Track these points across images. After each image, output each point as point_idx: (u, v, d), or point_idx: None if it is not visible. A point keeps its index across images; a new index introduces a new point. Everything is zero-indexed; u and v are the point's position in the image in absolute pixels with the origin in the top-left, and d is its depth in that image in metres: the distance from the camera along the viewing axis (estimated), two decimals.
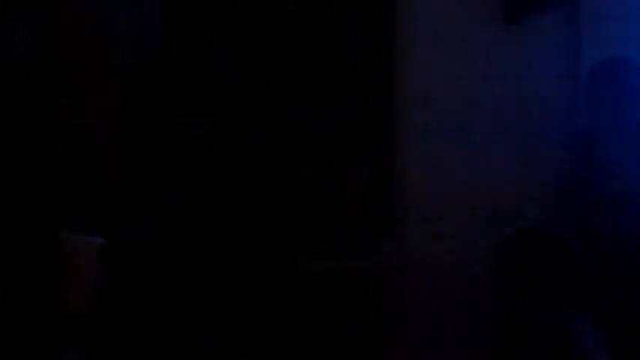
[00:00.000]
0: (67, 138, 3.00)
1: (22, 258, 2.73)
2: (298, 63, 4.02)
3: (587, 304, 3.42)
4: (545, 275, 3.42)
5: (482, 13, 4.08)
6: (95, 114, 3.11)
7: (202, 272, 3.23)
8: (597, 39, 4.05)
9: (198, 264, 3.27)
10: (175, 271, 3.09)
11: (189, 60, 3.46)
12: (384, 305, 4.00)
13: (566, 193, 3.85)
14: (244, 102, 3.80)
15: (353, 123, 4.10)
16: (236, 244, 3.63)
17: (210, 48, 3.59)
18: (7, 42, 3.01)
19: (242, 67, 3.83)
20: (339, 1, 4.10)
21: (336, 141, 4.08)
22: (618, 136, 3.76)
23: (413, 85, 4.06)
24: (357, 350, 3.92)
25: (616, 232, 3.70)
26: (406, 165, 4.04)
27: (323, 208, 4.02)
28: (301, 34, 4.02)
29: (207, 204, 3.50)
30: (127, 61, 3.20)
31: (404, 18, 4.09)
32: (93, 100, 3.14)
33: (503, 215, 4.00)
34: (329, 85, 4.08)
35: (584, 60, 4.05)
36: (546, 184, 4.00)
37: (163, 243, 3.09)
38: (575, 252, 3.57)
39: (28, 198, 2.76)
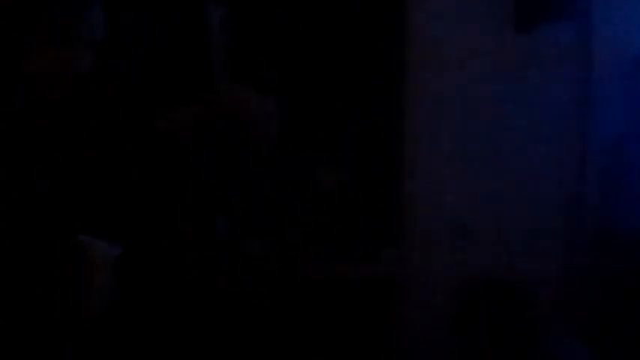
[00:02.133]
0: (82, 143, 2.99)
1: (34, 263, 2.71)
2: (307, 74, 4.03)
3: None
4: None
5: (493, 24, 4.06)
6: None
7: (210, 281, 3.22)
8: (609, 49, 4.01)
9: (205, 272, 3.25)
10: (183, 278, 3.06)
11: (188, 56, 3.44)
12: (385, 313, 3.98)
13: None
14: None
15: (359, 132, 4.09)
16: (239, 250, 3.62)
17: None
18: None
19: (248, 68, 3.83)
20: (346, 18, 4.09)
21: (342, 150, 4.07)
22: None
23: (421, 96, 4.05)
24: (359, 358, 3.91)
25: None
26: (411, 173, 4.02)
27: (326, 216, 4.02)
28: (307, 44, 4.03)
29: (212, 209, 3.49)
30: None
31: (414, 29, 4.07)
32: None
33: (507, 225, 3.98)
34: (337, 95, 4.08)
35: (595, 70, 4.02)
36: (551, 193, 4.00)
37: (175, 251, 3.06)
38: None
39: (42, 203, 2.73)
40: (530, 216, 4.00)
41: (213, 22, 3.50)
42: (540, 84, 4.05)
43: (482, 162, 4.05)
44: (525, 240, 3.97)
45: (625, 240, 3.71)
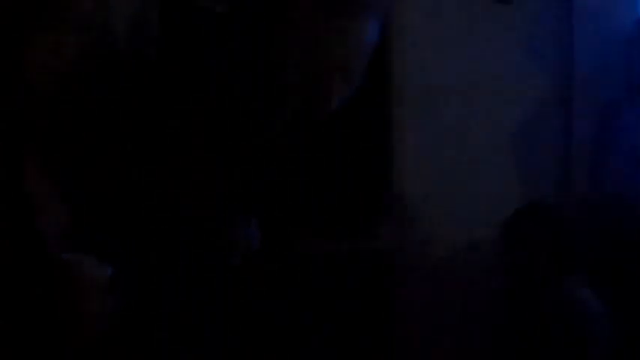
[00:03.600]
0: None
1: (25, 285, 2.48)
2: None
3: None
4: (544, 249, 3.56)
5: None
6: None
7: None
8: (590, 17, 4.08)
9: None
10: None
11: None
12: (384, 288, 4.04)
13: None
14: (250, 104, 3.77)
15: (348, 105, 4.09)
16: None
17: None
18: None
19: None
20: None
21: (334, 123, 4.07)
22: None
23: (406, 63, 4.06)
24: (359, 332, 3.94)
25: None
26: (404, 145, 4.07)
27: (322, 191, 4.02)
28: None
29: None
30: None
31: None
32: None
33: (503, 195, 4.03)
34: None
35: (577, 39, 4.09)
36: (541, 160, 4.12)
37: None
38: (576, 226, 3.70)
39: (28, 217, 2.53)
40: (523, 183, 4.11)
41: None
42: (520, 52, 4.13)
43: (471, 126, 4.12)
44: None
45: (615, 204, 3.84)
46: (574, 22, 4.09)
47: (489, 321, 3.91)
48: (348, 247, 4.00)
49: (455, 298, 4.04)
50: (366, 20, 2.38)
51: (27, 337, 2.42)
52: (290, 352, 3.40)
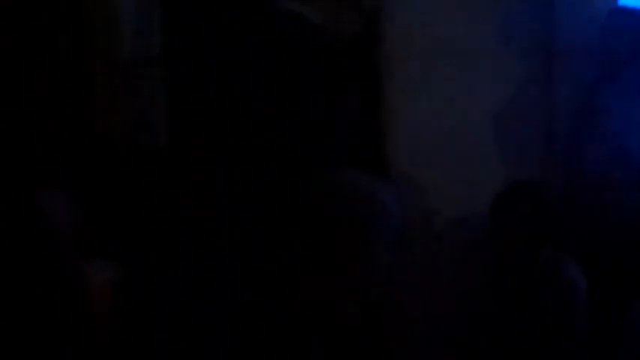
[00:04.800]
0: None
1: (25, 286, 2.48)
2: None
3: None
4: (530, 225, 3.66)
5: None
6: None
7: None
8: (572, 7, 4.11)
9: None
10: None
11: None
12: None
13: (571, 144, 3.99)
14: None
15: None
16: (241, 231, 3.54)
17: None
18: None
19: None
20: None
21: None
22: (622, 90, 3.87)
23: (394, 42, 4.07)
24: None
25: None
26: (398, 126, 4.09)
27: None
28: None
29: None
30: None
31: None
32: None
33: (487, 174, 4.07)
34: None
35: (557, 16, 4.12)
36: (523, 138, 4.15)
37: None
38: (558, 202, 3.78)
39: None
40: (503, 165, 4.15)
41: None
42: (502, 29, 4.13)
43: (446, 113, 4.12)
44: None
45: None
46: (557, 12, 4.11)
47: (479, 297, 3.98)
48: None
49: (446, 275, 4.09)
50: (378, 244, 2.33)
51: (31, 337, 2.42)
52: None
